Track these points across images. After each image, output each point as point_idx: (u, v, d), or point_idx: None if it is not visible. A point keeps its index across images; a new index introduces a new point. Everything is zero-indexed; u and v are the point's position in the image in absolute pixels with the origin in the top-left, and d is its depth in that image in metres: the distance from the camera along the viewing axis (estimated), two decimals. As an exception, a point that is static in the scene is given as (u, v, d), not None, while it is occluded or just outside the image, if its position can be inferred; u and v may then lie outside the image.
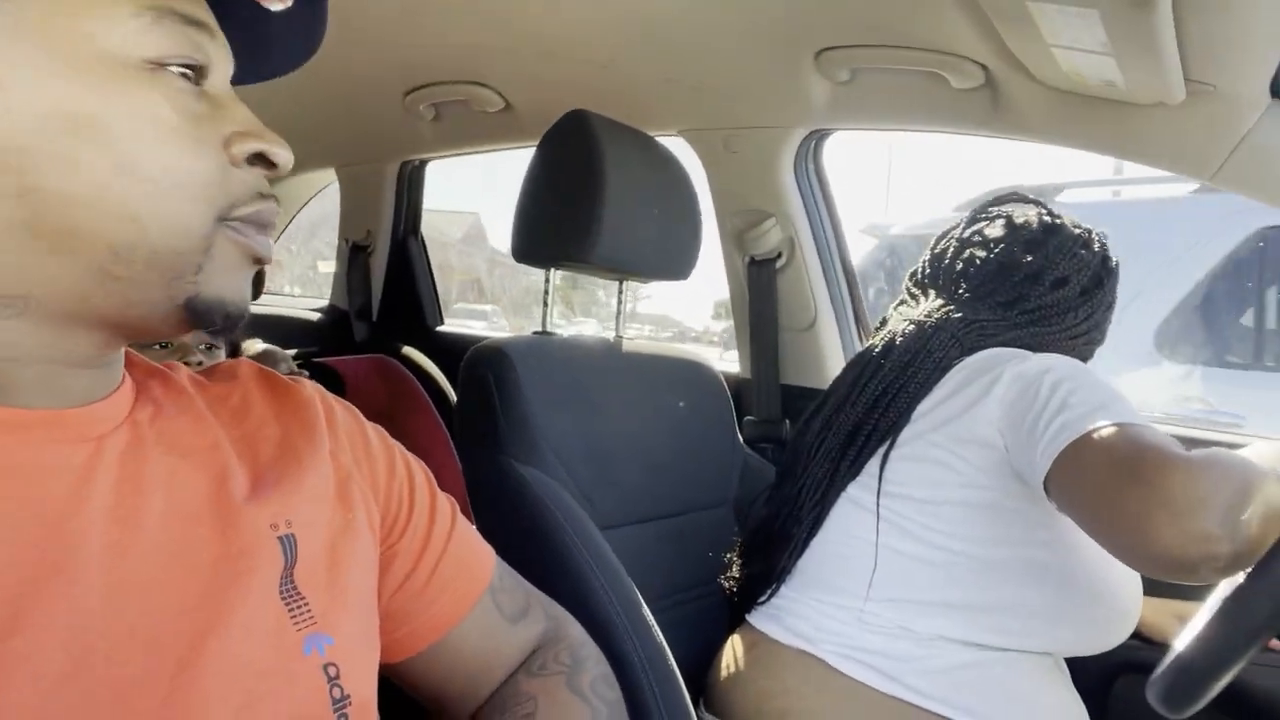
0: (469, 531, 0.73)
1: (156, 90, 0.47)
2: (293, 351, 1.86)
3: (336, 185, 2.46)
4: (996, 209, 1.13)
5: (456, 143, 2.03)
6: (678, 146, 1.48)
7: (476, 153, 2.09)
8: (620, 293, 1.39)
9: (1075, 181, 2.85)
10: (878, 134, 1.54)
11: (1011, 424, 0.92)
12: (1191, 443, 0.82)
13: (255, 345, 1.57)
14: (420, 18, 1.39)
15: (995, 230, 1.10)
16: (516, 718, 0.68)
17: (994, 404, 0.94)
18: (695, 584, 1.25)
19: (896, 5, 1.13)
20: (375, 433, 0.67)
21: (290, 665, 0.51)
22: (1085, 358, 1.10)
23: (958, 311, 1.06)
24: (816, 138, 1.59)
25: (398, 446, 0.69)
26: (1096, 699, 1.18)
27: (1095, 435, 0.82)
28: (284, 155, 0.53)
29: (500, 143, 1.95)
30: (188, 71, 0.49)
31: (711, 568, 1.23)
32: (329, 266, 2.58)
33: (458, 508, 0.72)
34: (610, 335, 1.35)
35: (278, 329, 2.37)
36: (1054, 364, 0.93)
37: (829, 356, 1.65)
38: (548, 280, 1.30)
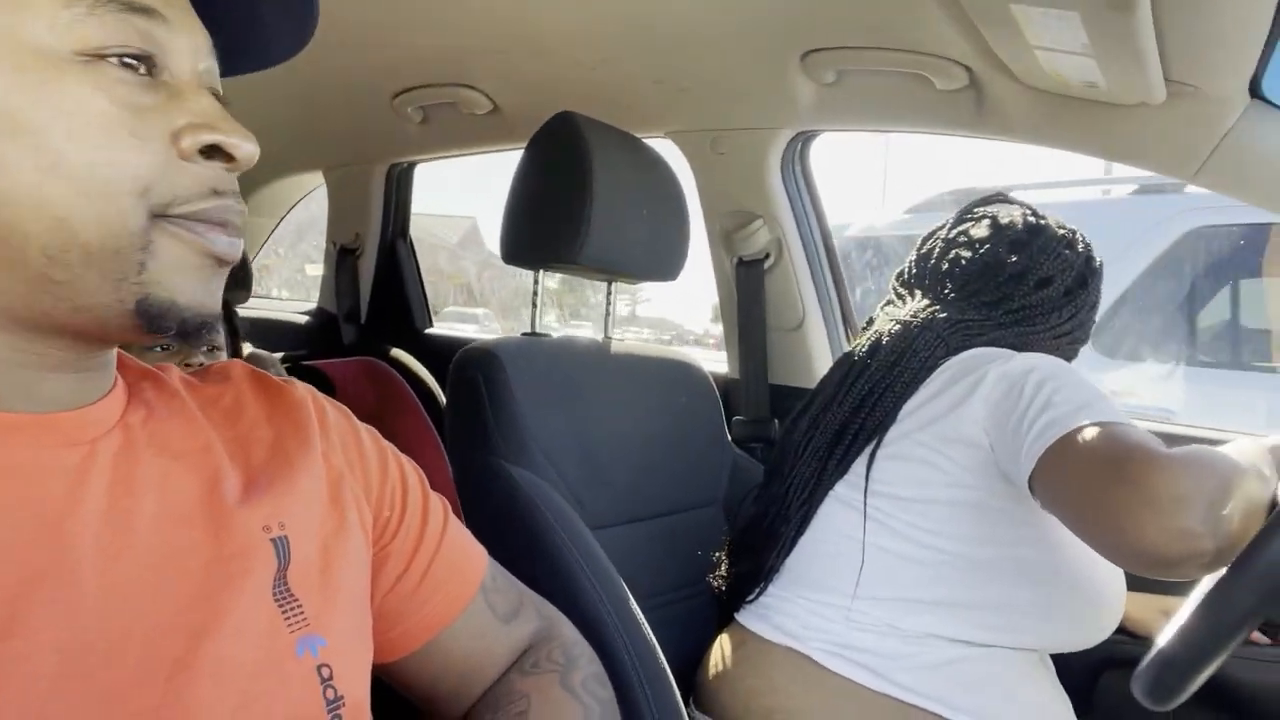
0: (461, 532, 0.73)
1: (89, 83, 0.45)
2: (279, 355, 1.86)
3: (324, 188, 2.46)
4: (982, 209, 1.14)
5: (444, 145, 2.03)
6: (666, 148, 1.49)
7: (465, 155, 2.09)
8: (609, 294, 1.39)
9: (1018, 185, 2.92)
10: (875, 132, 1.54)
11: (996, 423, 0.93)
12: (1174, 440, 0.84)
13: (243, 349, 1.57)
14: (408, 20, 1.39)
15: (980, 231, 1.11)
16: (509, 716, 0.68)
17: (979, 403, 0.95)
18: (685, 583, 1.25)
19: (881, 8, 1.14)
20: (368, 434, 0.68)
21: (284, 667, 0.51)
22: (1069, 357, 1.11)
23: (943, 311, 1.07)
24: (803, 139, 1.60)
25: (390, 447, 0.69)
26: (1082, 694, 1.19)
27: (1079, 434, 0.83)
28: (244, 147, 0.50)
29: (488, 145, 1.95)
30: (133, 62, 0.47)
31: (701, 567, 1.23)
32: (317, 270, 2.58)
33: (450, 508, 0.73)
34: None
35: (265, 332, 2.37)
36: (1038, 363, 0.94)
37: (817, 356, 1.66)
38: (537, 282, 1.30)
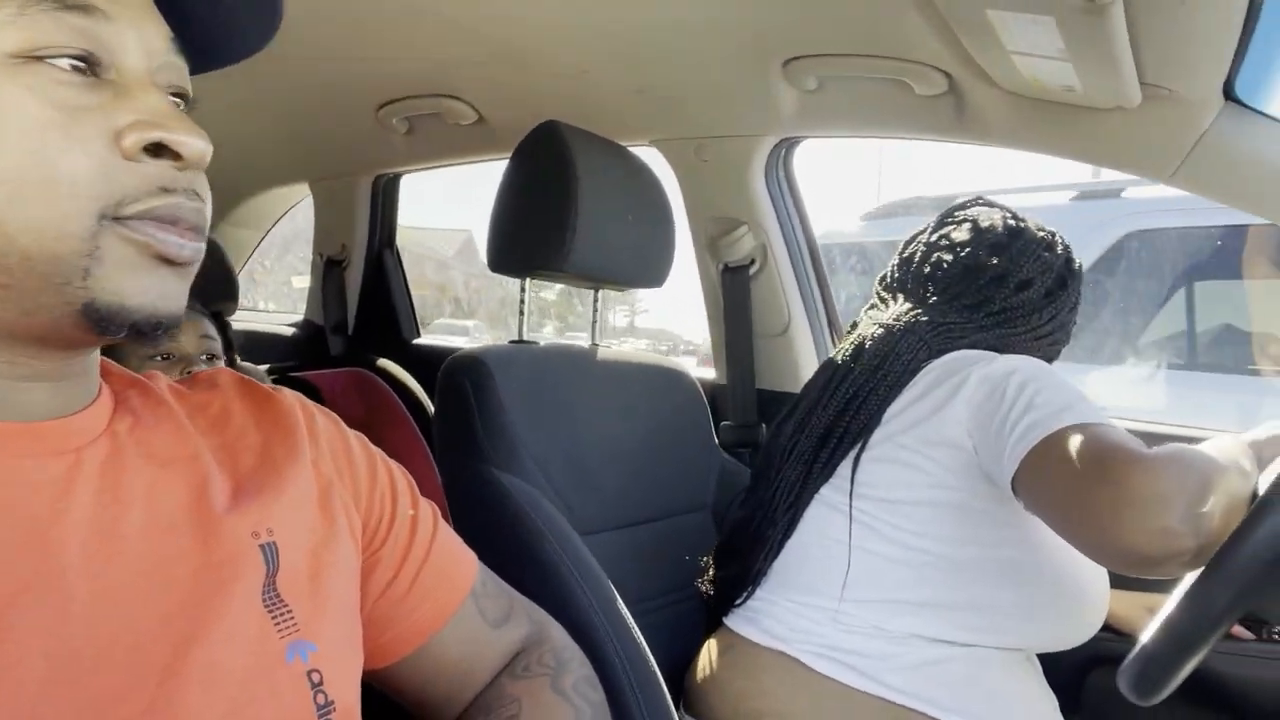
0: (451, 538, 0.73)
1: (21, 86, 0.44)
2: (265, 367, 1.86)
3: (309, 200, 2.46)
4: (962, 213, 1.15)
5: (430, 156, 2.04)
6: (650, 156, 1.50)
7: (450, 166, 2.10)
8: (595, 301, 1.40)
9: (964, 192, 2.97)
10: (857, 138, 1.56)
11: (979, 425, 0.94)
12: (1154, 440, 0.85)
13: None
14: (392, 32, 1.39)
15: (961, 234, 1.12)
16: (501, 719, 0.68)
17: (962, 405, 0.96)
18: (674, 588, 1.26)
19: (861, 15, 1.15)
20: (357, 440, 0.68)
21: (274, 673, 0.51)
22: (1050, 358, 1.12)
23: (925, 314, 1.08)
24: (786, 146, 1.61)
25: (379, 454, 0.69)
26: (1071, 692, 1.20)
27: (1060, 436, 0.84)
28: (191, 144, 0.48)
29: (474, 155, 1.96)
30: (77, 62, 0.46)
31: (690, 572, 1.24)
32: (303, 282, 2.57)
33: (439, 514, 0.73)
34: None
35: (252, 345, 2.36)
36: (1019, 365, 0.95)
37: (803, 361, 1.67)
38: (523, 289, 1.31)
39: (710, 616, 1.17)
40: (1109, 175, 2.82)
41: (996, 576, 0.98)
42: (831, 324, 1.71)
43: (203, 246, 0.51)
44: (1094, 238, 2.81)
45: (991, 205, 1.15)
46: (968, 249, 1.10)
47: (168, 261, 0.48)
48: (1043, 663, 1.09)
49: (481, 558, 0.76)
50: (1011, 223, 1.11)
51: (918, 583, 0.98)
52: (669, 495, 1.32)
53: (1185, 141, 1.09)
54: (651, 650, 0.96)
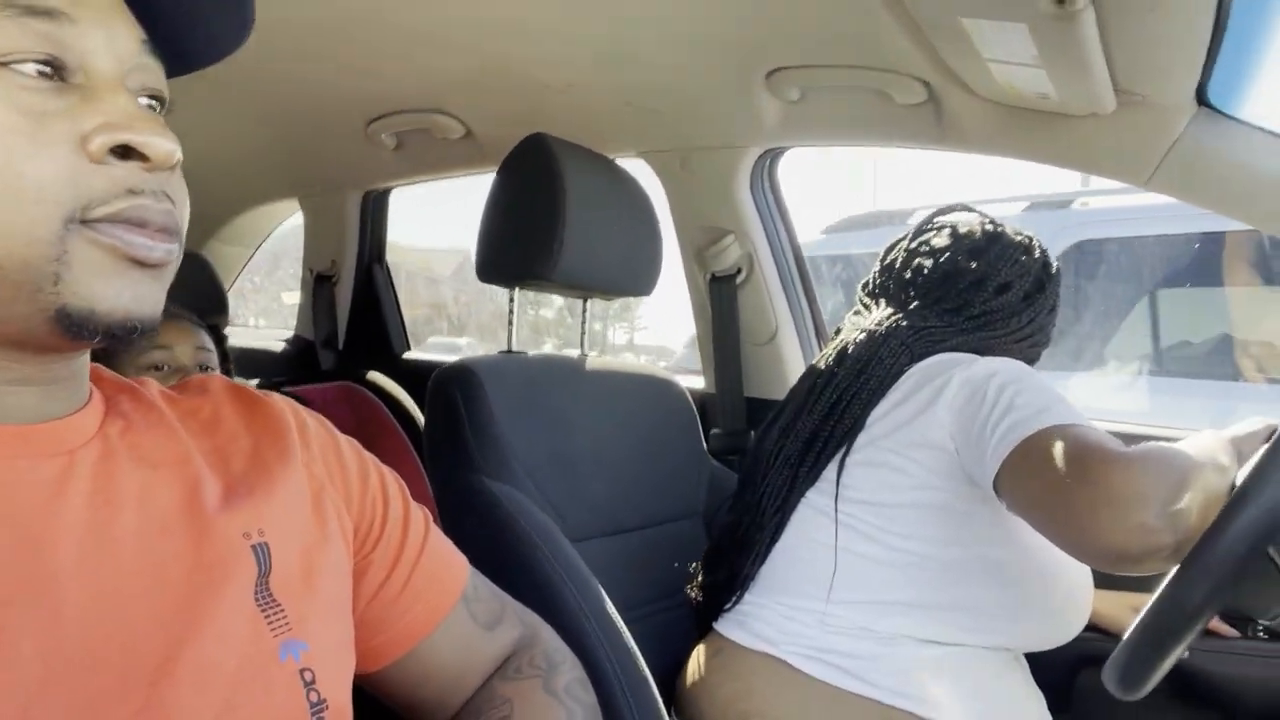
0: (442, 542, 0.73)
1: None
2: (255, 381, 1.86)
3: (299, 216, 2.47)
4: (942, 219, 1.17)
5: (419, 171, 2.05)
6: (637, 167, 1.52)
7: (440, 179, 2.11)
8: (584, 310, 1.41)
9: (923, 205, 3.07)
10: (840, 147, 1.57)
11: (961, 428, 0.95)
12: (1132, 440, 0.86)
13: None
14: (381, 48, 1.41)
15: (941, 240, 1.13)
16: None
17: (943, 408, 0.98)
18: (664, 595, 1.26)
19: (841, 26, 1.17)
20: (348, 444, 0.68)
21: (267, 671, 0.52)
22: (1031, 360, 1.13)
23: (907, 319, 1.09)
24: (771, 155, 1.63)
25: (371, 458, 0.70)
26: (1060, 692, 1.21)
27: (1040, 437, 0.86)
28: (157, 145, 0.48)
29: (463, 169, 1.97)
30: (43, 67, 0.46)
31: (680, 579, 1.24)
32: (293, 298, 2.58)
33: (431, 518, 0.74)
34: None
35: (243, 361, 2.36)
36: (999, 368, 0.97)
37: (791, 369, 1.68)
38: (512, 299, 1.32)
39: (700, 622, 1.18)
40: (1096, 182, 2.89)
41: (981, 576, 0.99)
42: (818, 332, 1.72)
43: (175, 247, 0.50)
44: (1049, 244, 2.92)
45: (970, 211, 1.17)
46: (947, 254, 1.11)
47: (139, 264, 0.48)
48: (1032, 663, 1.10)
49: (473, 566, 0.77)
50: (989, 228, 1.13)
51: (904, 584, 0.99)
52: (659, 502, 1.33)
53: (1160, 146, 1.11)
54: (643, 656, 0.97)
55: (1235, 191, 1.10)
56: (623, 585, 1.17)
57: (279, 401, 0.65)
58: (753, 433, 1.68)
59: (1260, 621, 1.16)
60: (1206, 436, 0.85)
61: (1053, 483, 0.83)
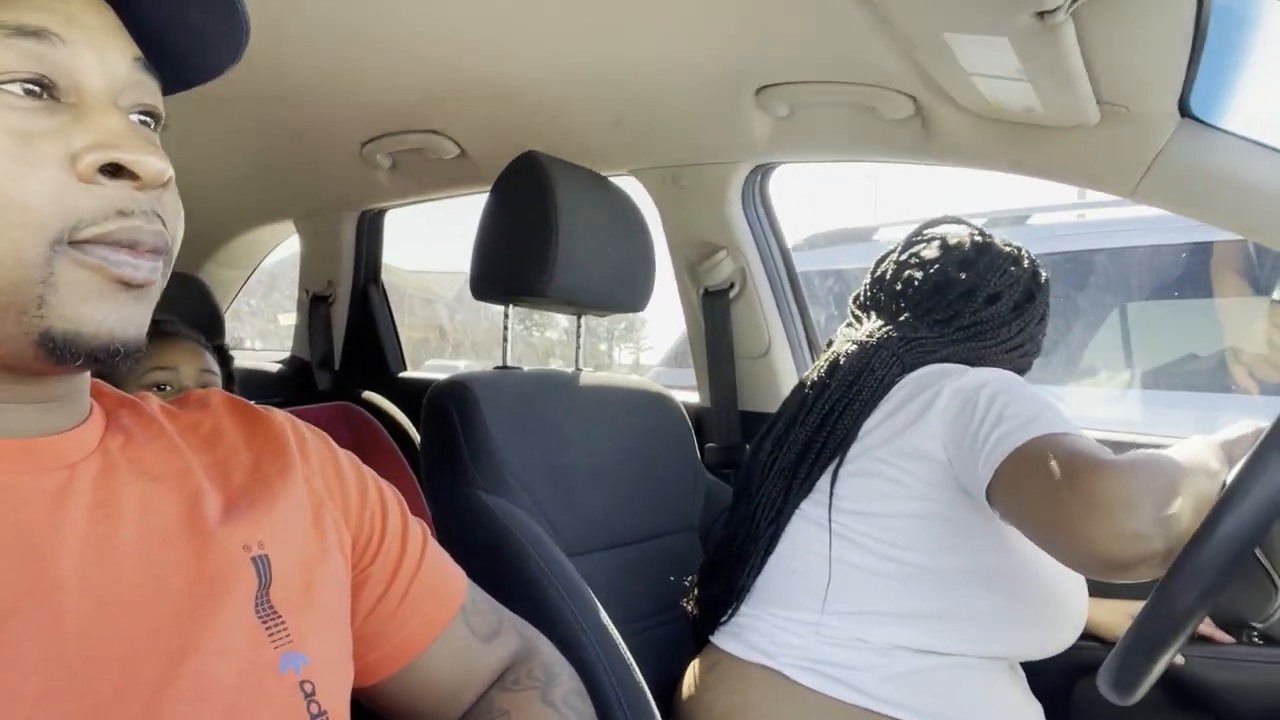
0: (440, 555, 0.74)
1: None
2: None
3: (295, 237, 2.48)
4: (931, 231, 1.18)
5: (414, 191, 2.06)
6: (629, 185, 1.53)
7: (435, 199, 2.12)
8: (578, 326, 1.42)
9: (892, 221, 3.07)
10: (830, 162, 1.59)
11: (953, 438, 0.96)
12: (1122, 448, 0.87)
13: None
14: (375, 70, 1.42)
15: (930, 251, 1.15)
16: None
17: (935, 419, 0.98)
18: (660, 609, 1.26)
19: (828, 43, 1.18)
20: (347, 459, 0.69)
21: (267, 683, 0.52)
22: (1022, 370, 1.14)
23: (897, 331, 1.10)
24: (762, 171, 1.64)
25: (369, 472, 0.70)
26: (1058, 701, 1.21)
27: (1031, 446, 0.87)
28: (147, 163, 0.47)
29: (457, 189, 1.98)
30: (32, 87, 0.46)
31: (676, 593, 1.25)
32: (289, 319, 2.58)
33: (429, 532, 0.74)
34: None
35: (240, 382, 2.36)
36: (990, 378, 0.97)
37: (784, 382, 1.68)
38: (506, 316, 1.33)
39: (696, 635, 1.18)
40: (1092, 195, 2.94)
41: (976, 585, 0.99)
42: (811, 345, 1.73)
43: (161, 266, 0.50)
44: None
45: (960, 222, 1.19)
46: (937, 265, 1.13)
47: (125, 285, 0.47)
48: (1029, 672, 1.10)
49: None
50: (978, 239, 1.14)
51: (898, 593, 1.00)
52: (654, 516, 1.33)
53: (1144, 157, 1.12)
54: (639, 670, 0.97)
55: (1220, 200, 1.11)
56: (619, 599, 1.17)
57: (279, 416, 0.65)
58: (748, 446, 1.68)
59: (1254, 625, 1.17)
60: (1197, 442, 0.86)
61: (1044, 491, 0.83)
